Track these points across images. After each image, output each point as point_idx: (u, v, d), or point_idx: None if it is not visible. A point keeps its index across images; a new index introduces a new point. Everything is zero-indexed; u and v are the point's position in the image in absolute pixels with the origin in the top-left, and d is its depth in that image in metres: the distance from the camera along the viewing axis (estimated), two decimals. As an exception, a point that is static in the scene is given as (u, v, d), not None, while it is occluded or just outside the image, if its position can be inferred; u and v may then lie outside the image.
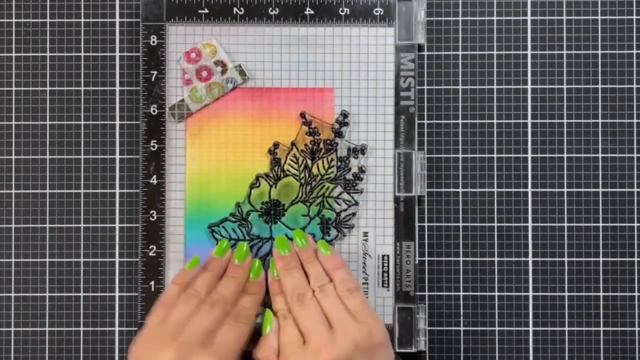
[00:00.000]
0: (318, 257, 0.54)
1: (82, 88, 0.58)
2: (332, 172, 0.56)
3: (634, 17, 0.58)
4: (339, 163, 0.56)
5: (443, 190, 0.58)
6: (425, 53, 0.58)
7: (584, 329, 0.57)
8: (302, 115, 0.57)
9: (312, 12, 0.57)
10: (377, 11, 0.57)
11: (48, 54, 0.58)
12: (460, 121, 0.58)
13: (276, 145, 0.57)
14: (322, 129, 0.57)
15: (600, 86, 0.58)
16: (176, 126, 0.57)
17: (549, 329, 0.57)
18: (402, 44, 0.57)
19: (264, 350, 0.50)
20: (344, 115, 0.56)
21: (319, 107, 0.57)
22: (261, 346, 0.50)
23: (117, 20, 0.58)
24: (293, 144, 0.57)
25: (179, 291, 0.51)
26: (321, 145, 0.56)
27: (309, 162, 0.57)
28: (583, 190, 0.58)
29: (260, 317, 0.53)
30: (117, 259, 0.58)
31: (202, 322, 0.49)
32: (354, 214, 0.56)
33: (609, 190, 0.58)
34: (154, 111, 0.57)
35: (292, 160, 0.57)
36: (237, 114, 0.57)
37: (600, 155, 0.58)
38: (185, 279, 0.52)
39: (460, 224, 0.58)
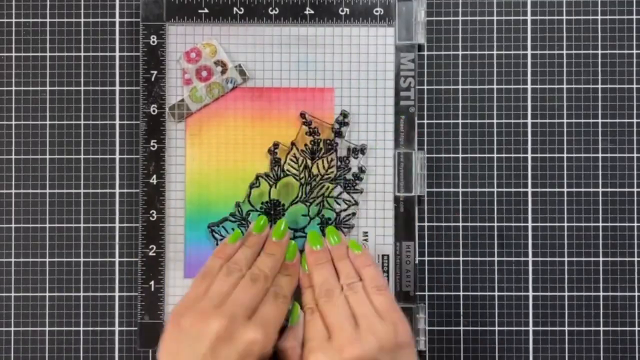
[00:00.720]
0: (349, 256, 0.54)
1: (82, 88, 0.58)
2: (332, 172, 0.57)
3: (634, 17, 0.58)
4: (339, 163, 0.56)
5: (443, 190, 0.58)
6: (425, 53, 0.58)
7: (584, 329, 0.57)
8: (302, 115, 0.57)
9: (312, 12, 0.57)
10: (377, 11, 0.57)
11: (48, 54, 0.58)
12: (460, 121, 0.58)
13: (276, 145, 0.57)
14: (322, 129, 0.57)
15: (600, 86, 0.58)
16: (176, 126, 0.57)
17: (549, 328, 0.57)
18: (402, 43, 0.57)
19: (289, 340, 0.50)
20: (344, 115, 0.56)
21: (319, 107, 0.57)
22: (287, 337, 0.50)
23: (117, 20, 0.58)
24: (293, 143, 0.57)
25: (220, 264, 0.52)
26: (321, 145, 0.56)
27: (309, 162, 0.57)
28: (583, 190, 0.58)
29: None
30: (117, 259, 0.58)
31: (245, 295, 0.49)
32: (353, 214, 0.56)
33: (609, 190, 0.58)
34: (154, 111, 0.57)
35: (292, 160, 0.57)
36: (237, 114, 0.57)
37: (600, 155, 0.58)
38: (227, 252, 0.53)
39: (460, 224, 0.58)
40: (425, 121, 0.58)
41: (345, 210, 0.56)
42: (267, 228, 0.55)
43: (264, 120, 0.57)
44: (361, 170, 0.56)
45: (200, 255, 0.55)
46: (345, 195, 0.56)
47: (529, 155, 0.58)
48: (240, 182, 0.57)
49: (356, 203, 0.56)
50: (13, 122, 0.58)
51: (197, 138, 0.57)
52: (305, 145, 0.57)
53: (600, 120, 0.58)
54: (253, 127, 0.57)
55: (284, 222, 0.54)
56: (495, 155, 0.58)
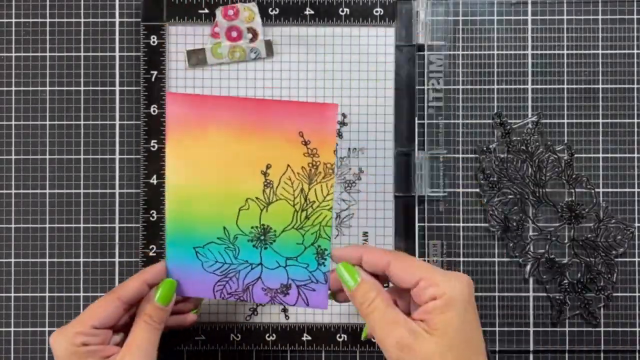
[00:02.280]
0: None
1: (82, 88, 0.58)
2: (331, 199, 0.50)
3: (634, 17, 0.58)
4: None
5: (442, 190, 0.58)
6: (426, 53, 0.58)
7: (584, 329, 0.57)
8: (301, 134, 0.49)
9: (312, 12, 0.57)
10: (377, 11, 0.57)
11: (48, 54, 0.58)
12: (460, 121, 0.58)
13: (269, 166, 0.50)
14: (322, 150, 0.49)
15: (600, 86, 0.58)
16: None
17: (549, 329, 0.57)
18: (401, 44, 0.57)
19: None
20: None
21: (318, 124, 0.49)
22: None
23: (117, 20, 0.58)
24: (288, 165, 0.50)
25: None
26: (320, 169, 0.50)
27: (306, 186, 0.50)
28: (583, 190, 0.58)
29: None
30: (117, 259, 0.58)
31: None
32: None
33: (609, 190, 0.58)
34: (154, 111, 0.57)
35: (286, 183, 0.50)
36: (223, 125, 0.49)
37: (600, 155, 0.58)
38: None
39: (461, 224, 0.58)
40: (426, 121, 0.58)
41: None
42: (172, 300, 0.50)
43: (257, 136, 0.49)
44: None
45: (185, 276, 0.51)
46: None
47: (529, 155, 0.58)
48: (227, 202, 0.50)
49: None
50: (13, 122, 0.58)
51: (178, 150, 0.49)
52: (302, 167, 0.49)
53: (600, 121, 0.58)
54: (243, 143, 0.49)
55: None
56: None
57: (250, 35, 0.56)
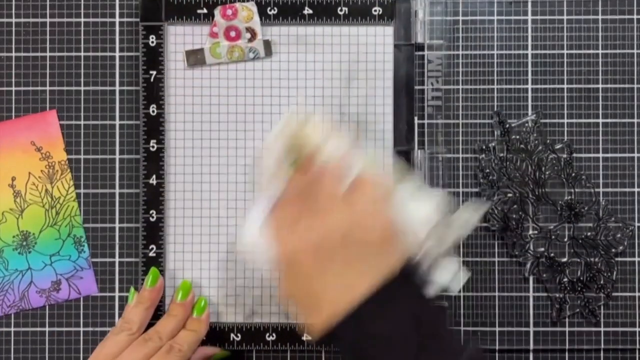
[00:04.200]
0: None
1: (82, 88, 0.58)
2: (72, 191, 0.57)
3: (634, 17, 0.58)
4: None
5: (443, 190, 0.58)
6: (426, 53, 0.58)
7: (584, 329, 0.57)
8: (32, 143, 0.57)
9: (310, 11, 0.57)
10: (375, 10, 0.57)
11: (48, 54, 0.58)
12: (461, 121, 0.58)
13: (14, 178, 0.57)
14: (54, 151, 0.57)
15: (600, 86, 0.58)
16: (175, 127, 0.57)
17: (549, 329, 0.57)
18: (400, 43, 0.57)
19: None
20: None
21: (44, 131, 0.57)
22: None
23: (117, 20, 0.58)
24: (30, 172, 0.57)
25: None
26: (56, 167, 0.57)
27: (48, 186, 0.57)
28: (584, 190, 0.57)
29: None
30: (117, 259, 0.58)
31: (134, 355, 0.49)
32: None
33: (610, 190, 0.57)
34: (152, 111, 0.57)
35: (32, 189, 0.57)
36: None
37: (600, 155, 0.58)
38: (125, 314, 0.54)
39: (460, 224, 0.58)
40: (426, 121, 0.58)
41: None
42: (160, 280, 0.55)
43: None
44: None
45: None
46: None
47: (529, 155, 0.58)
48: None
49: None
50: (13, 122, 0.58)
51: None
52: (42, 171, 0.57)
53: (600, 120, 0.58)
54: None
55: (189, 282, 0.55)
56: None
57: (249, 35, 0.56)
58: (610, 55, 0.58)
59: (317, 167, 0.45)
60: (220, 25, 0.56)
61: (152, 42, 0.57)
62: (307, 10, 0.57)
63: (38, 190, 0.57)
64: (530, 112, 0.58)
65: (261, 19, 0.57)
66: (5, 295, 0.57)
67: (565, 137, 0.57)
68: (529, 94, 0.58)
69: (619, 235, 0.57)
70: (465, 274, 0.56)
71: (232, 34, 0.56)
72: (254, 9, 0.56)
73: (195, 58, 0.57)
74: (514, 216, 0.57)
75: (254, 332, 0.57)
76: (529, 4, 0.58)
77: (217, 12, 0.56)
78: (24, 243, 0.57)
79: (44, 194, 0.57)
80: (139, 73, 0.57)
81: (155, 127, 0.57)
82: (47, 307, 0.57)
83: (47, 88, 0.58)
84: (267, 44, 0.56)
